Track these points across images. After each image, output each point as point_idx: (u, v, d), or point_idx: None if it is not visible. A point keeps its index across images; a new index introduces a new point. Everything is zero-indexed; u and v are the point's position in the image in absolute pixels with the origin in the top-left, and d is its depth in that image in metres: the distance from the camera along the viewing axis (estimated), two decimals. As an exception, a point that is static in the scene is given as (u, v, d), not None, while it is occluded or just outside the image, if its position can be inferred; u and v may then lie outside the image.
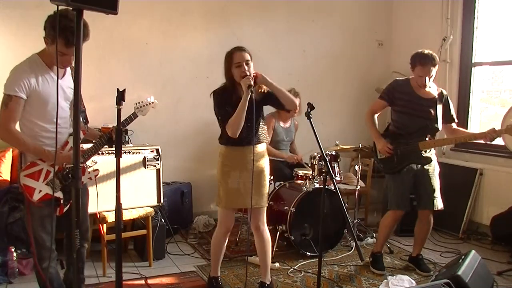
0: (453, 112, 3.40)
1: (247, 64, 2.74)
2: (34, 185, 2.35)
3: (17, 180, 2.40)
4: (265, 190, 2.95)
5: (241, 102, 2.69)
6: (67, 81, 2.44)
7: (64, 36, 2.12)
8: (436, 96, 3.34)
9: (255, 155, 2.77)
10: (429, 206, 3.35)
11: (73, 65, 2.38)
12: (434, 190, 3.35)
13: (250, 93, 2.63)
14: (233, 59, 2.78)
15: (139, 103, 2.69)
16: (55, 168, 2.37)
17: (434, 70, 3.19)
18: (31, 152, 2.33)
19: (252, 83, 2.66)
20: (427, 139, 3.31)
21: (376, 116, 3.47)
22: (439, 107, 3.34)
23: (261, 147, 2.93)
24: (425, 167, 3.34)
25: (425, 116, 3.30)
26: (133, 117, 2.64)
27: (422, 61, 3.17)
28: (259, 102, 2.80)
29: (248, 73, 2.71)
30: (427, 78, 3.20)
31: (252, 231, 3.02)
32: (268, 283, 3.03)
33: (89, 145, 2.54)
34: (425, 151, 3.32)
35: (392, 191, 3.41)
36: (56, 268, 2.51)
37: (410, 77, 3.38)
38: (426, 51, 3.21)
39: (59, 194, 2.40)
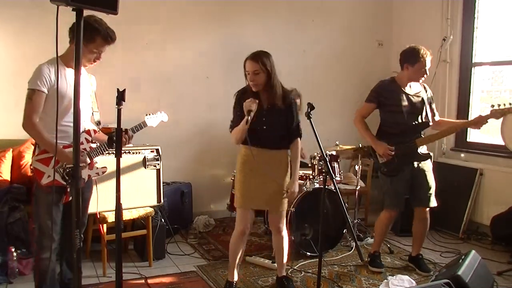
0: (434, 106, 3.49)
1: (255, 73, 2.77)
2: (44, 169, 2.46)
3: (30, 165, 2.53)
4: (283, 194, 2.90)
5: (241, 123, 2.72)
6: (82, 81, 2.51)
7: (105, 33, 2.42)
8: (420, 91, 3.41)
9: (272, 159, 2.82)
10: (426, 203, 3.37)
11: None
12: (430, 187, 3.37)
13: (249, 117, 2.65)
14: (245, 66, 2.84)
15: (150, 114, 2.94)
16: (54, 162, 2.43)
17: None
18: (46, 147, 2.44)
19: (253, 107, 2.68)
20: (422, 135, 3.36)
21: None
22: (426, 102, 3.41)
23: (280, 153, 2.90)
24: (420, 165, 3.36)
25: (416, 112, 3.35)
26: (142, 125, 2.85)
27: (425, 54, 3.24)
28: (283, 111, 2.85)
29: (252, 84, 2.79)
30: (427, 70, 3.27)
31: (272, 232, 3.07)
32: (284, 275, 3.12)
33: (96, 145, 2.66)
34: (421, 148, 3.35)
35: (389, 192, 3.41)
36: (55, 264, 2.54)
37: (394, 75, 3.43)
38: (420, 46, 3.31)
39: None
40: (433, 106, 3.48)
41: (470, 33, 4.71)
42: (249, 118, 2.66)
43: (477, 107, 4.80)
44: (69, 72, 2.47)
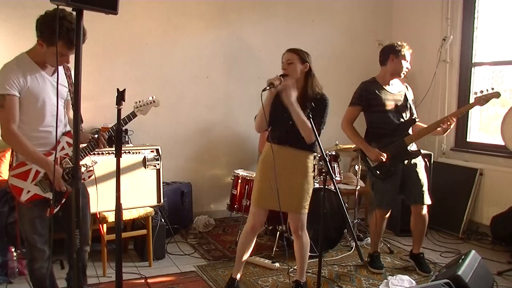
0: (414, 108, 3.47)
1: (288, 63, 2.78)
2: (22, 185, 2.31)
3: (6, 180, 2.36)
4: (301, 195, 2.84)
5: (265, 98, 2.72)
6: (59, 79, 2.35)
7: (66, 38, 2.13)
8: (402, 90, 3.42)
9: (289, 157, 2.81)
10: (420, 201, 3.37)
11: (69, 65, 2.39)
12: (423, 185, 3.38)
13: (267, 88, 2.64)
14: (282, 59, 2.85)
15: (139, 102, 2.68)
16: (55, 169, 2.29)
17: None
18: (30, 158, 2.28)
19: (275, 82, 2.64)
20: (410, 132, 3.36)
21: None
22: (409, 100, 3.42)
23: (301, 153, 2.84)
24: (412, 162, 3.36)
25: (401, 110, 3.37)
26: (131, 116, 2.62)
27: (406, 49, 3.30)
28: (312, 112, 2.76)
29: (285, 72, 2.76)
30: (409, 64, 3.32)
31: (292, 234, 3.03)
32: (302, 281, 3.05)
33: (83, 145, 2.48)
34: (411, 146, 3.35)
35: (380, 191, 3.42)
36: (49, 269, 2.48)
37: (375, 76, 3.44)
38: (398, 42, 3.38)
39: (48, 195, 2.34)
40: (413, 108, 3.46)
41: (470, 33, 4.71)
42: (268, 88, 2.63)
43: (477, 107, 4.79)
44: (40, 72, 2.28)
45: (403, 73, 3.34)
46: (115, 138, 2.15)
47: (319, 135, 2.68)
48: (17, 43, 3.90)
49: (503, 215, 4.08)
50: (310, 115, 2.61)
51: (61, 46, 2.15)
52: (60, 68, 2.39)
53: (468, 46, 4.74)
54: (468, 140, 4.81)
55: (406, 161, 3.36)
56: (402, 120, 3.36)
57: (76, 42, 1.60)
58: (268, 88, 2.64)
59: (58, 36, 2.09)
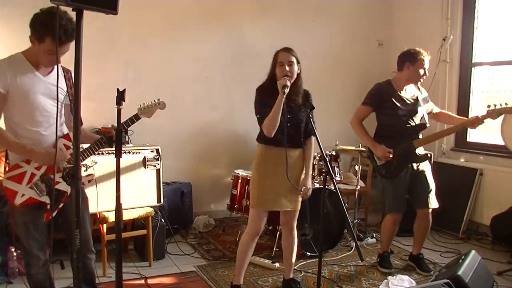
0: (430, 103, 3.52)
1: (290, 65, 2.73)
2: (16, 188, 2.24)
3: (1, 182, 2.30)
4: (297, 192, 2.90)
5: (276, 102, 2.66)
6: (53, 79, 2.28)
7: (53, 34, 2.06)
8: (416, 94, 3.41)
9: (291, 158, 2.79)
10: (426, 205, 3.37)
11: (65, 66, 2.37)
12: (430, 189, 3.38)
13: (284, 93, 2.60)
14: (278, 58, 2.78)
15: (143, 104, 2.56)
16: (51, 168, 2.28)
17: None
18: (14, 150, 2.24)
19: (288, 84, 2.63)
20: (419, 136, 3.37)
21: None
22: (422, 103, 3.41)
23: (297, 151, 2.87)
24: (419, 166, 3.36)
25: (412, 115, 3.36)
26: (134, 119, 2.50)
27: (425, 54, 3.27)
28: (302, 110, 2.80)
29: (288, 74, 2.70)
30: (427, 70, 3.29)
31: (283, 231, 3.05)
32: (292, 277, 3.12)
33: (85, 146, 2.44)
34: (419, 149, 3.36)
35: (389, 195, 3.41)
36: (46, 274, 2.42)
37: (390, 78, 3.44)
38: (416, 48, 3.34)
39: (44, 199, 2.29)
40: (430, 103, 3.50)
41: (470, 33, 4.72)
42: (285, 92, 2.59)
43: (477, 107, 4.80)
44: (34, 72, 2.23)
45: (420, 81, 3.35)
46: (115, 138, 2.15)
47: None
48: (16, 43, 3.91)
49: (503, 215, 4.08)
50: (310, 115, 2.62)
51: (49, 43, 2.10)
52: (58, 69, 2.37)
53: (468, 46, 4.74)
54: (468, 140, 4.81)
55: (415, 166, 3.35)
56: (412, 124, 3.35)
57: (76, 42, 1.59)
58: (285, 92, 2.60)
59: (47, 32, 2.07)
